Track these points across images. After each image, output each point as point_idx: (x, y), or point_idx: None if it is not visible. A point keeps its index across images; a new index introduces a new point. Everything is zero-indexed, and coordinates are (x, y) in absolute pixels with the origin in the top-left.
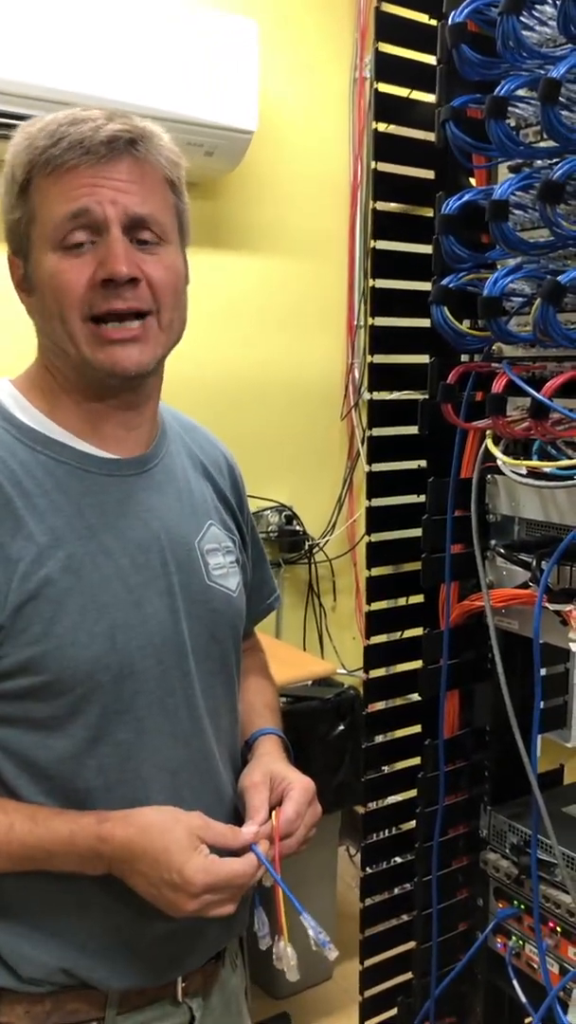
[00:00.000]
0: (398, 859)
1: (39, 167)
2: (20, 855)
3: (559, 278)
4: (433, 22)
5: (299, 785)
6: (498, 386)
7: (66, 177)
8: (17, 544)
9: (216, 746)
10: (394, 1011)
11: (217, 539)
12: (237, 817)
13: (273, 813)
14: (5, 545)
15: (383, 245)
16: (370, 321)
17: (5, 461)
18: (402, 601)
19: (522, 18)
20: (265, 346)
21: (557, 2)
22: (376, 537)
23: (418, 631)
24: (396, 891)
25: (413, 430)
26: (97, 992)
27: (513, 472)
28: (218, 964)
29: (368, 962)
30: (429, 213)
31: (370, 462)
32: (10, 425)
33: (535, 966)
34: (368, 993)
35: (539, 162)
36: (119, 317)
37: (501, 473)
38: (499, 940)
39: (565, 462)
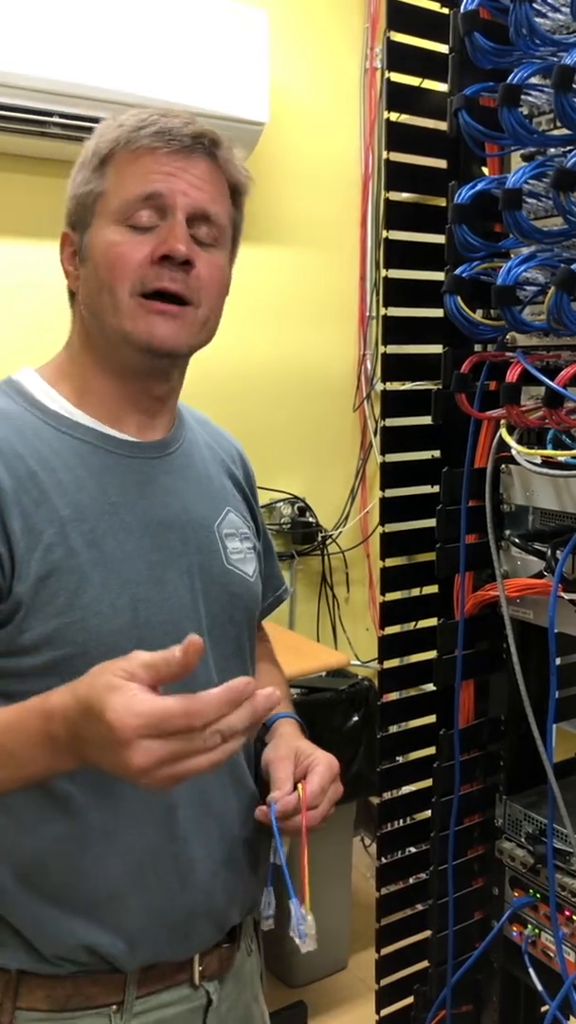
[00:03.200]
0: (413, 849)
1: (123, 144)
2: None
3: (573, 266)
4: (445, 10)
5: (324, 761)
6: (512, 375)
7: (146, 159)
8: (41, 515)
9: None
10: (410, 999)
11: (235, 525)
12: (253, 793)
13: (299, 785)
14: (29, 515)
15: (396, 235)
16: (383, 311)
17: (29, 440)
18: (416, 591)
19: (535, 5)
20: (277, 337)
21: None
22: (390, 527)
23: (432, 621)
24: (411, 880)
25: (427, 420)
26: (117, 975)
27: (528, 461)
28: (233, 947)
29: (384, 951)
30: (442, 202)
31: (384, 452)
32: (34, 408)
33: (551, 954)
34: (384, 981)
35: (552, 150)
36: (165, 298)
37: (515, 462)
38: (515, 929)
39: None
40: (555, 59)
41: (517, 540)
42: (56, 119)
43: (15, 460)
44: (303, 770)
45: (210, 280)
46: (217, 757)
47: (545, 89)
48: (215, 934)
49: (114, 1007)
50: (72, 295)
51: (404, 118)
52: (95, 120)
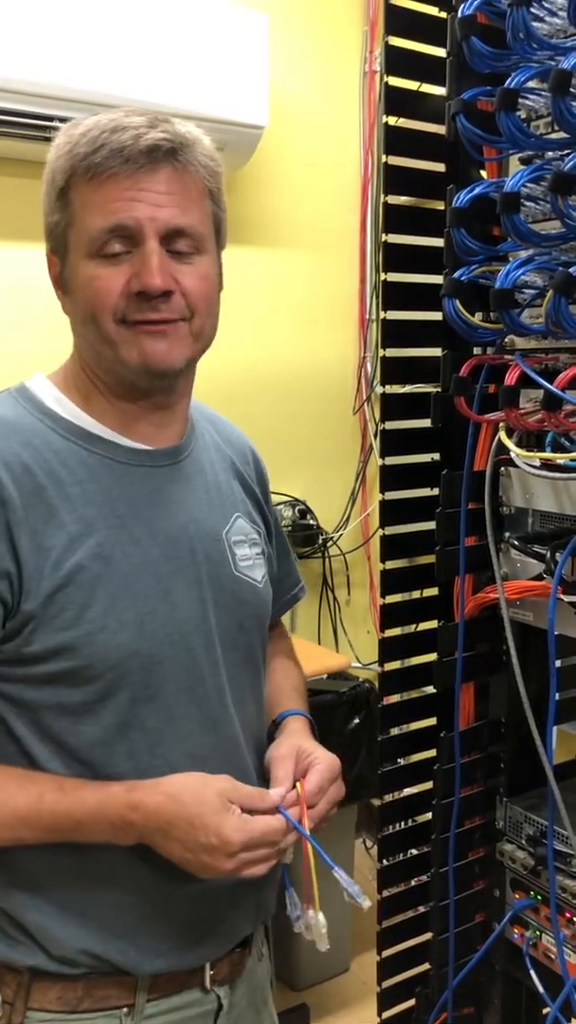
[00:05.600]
0: (414, 851)
1: (79, 173)
2: (49, 824)
3: (571, 270)
4: (443, 15)
5: (324, 760)
6: (511, 378)
7: (106, 186)
8: (49, 531)
9: (242, 733)
10: (412, 1002)
11: (243, 531)
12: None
13: (298, 784)
14: (38, 532)
15: (395, 239)
16: (382, 315)
17: (39, 450)
18: (417, 594)
19: (532, 9)
20: (277, 340)
21: None
22: (390, 530)
23: (433, 624)
24: (413, 883)
25: (426, 423)
26: (128, 978)
27: (527, 464)
28: (245, 953)
29: (386, 953)
30: (440, 206)
31: (384, 455)
32: (45, 416)
33: (552, 956)
34: (386, 984)
35: (550, 153)
36: (151, 324)
37: (515, 465)
38: (516, 931)
39: None
40: (552, 63)
41: (516, 542)
42: (57, 124)
43: (24, 476)
44: (303, 769)
45: (197, 292)
46: (267, 868)
47: (543, 93)
48: (226, 944)
49: (125, 1009)
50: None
51: (403, 122)
52: None
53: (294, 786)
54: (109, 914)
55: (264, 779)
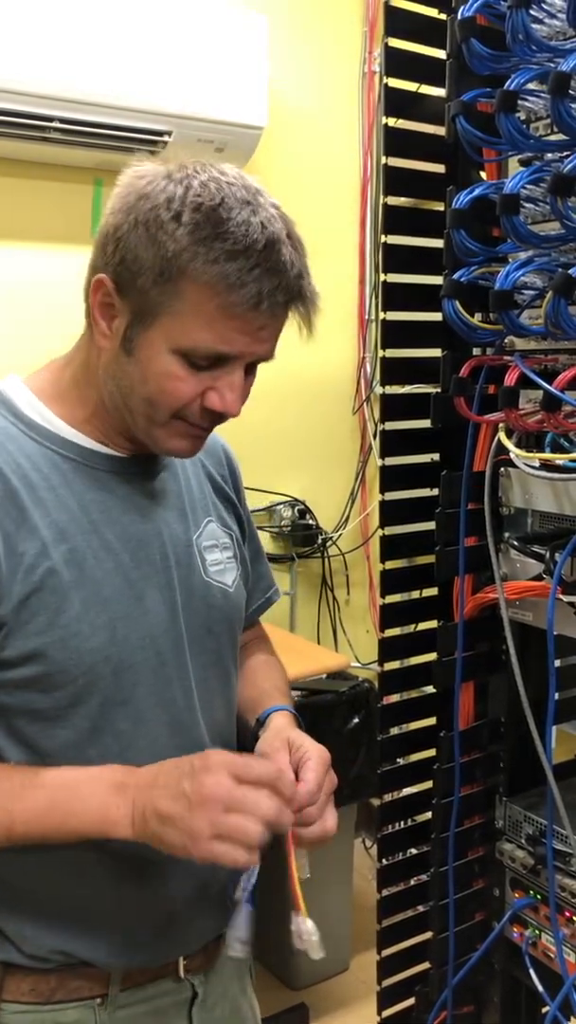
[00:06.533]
0: (414, 850)
1: (209, 283)
2: (47, 804)
3: (571, 271)
4: (443, 16)
5: (316, 754)
6: (510, 379)
7: (234, 319)
8: (22, 536)
9: (207, 736)
10: (411, 1001)
11: (215, 536)
12: None
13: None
14: (10, 536)
15: (394, 240)
16: (382, 315)
17: (13, 455)
18: (416, 594)
19: (531, 11)
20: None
21: None
22: (390, 530)
23: (432, 624)
24: (412, 882)
25: (426, 424)
26: (100, 970)
27: (526, 465)
28: (220, 943)
29: (385, 952)
30: (440, 207)
31: (383, 455)
32: (18, 420)
33: (552, 955)
34: (386, 983)
35: (550, 155)
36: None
37: (514, 466)
38: (515, 930)
39: None
40: (552, 65)
41: (516, 543)
42: (56, 124)
43: None
44: (296, 761)
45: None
46: (258, 837)
47: (542, 95)
48: (198, 940)
49: (98, 1000)
50: (90, 327)
51: (402, 123)
52: (95, 125)
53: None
54: (80, 915)
55: None
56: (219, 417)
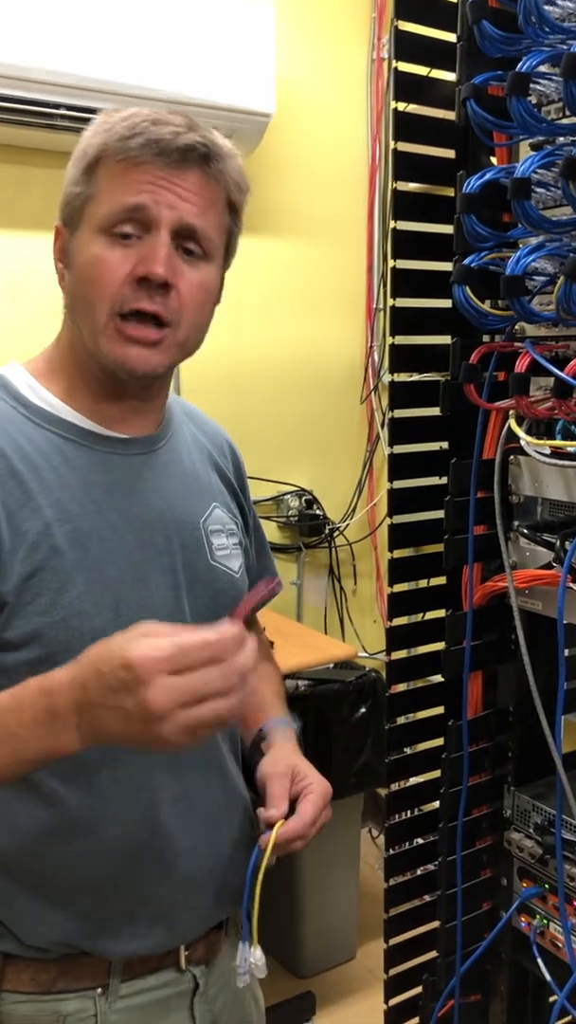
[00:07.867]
0: (421, 840)
1: (111, 152)
2: None
3: None
4: None
5: (319, 788)
6: (521, 366)
7: (134, 171)
8: (25, 515)
9: None
10: (419, 989)
11: (221, 521)
12: (239, 789)
13: (277, 824)
14: (13, 515)
15: (404, 225)
16: (391, 302)
17: (14, 437)
18: (424, 583)
19: None
20: (284, 330)
21: None
22: (398, 519)
23: (440, 613)
24: (420, 871)
25: (435, 411)
26: (101, 960)
27: (537, 452)
28: (221, 933)
29: (393, 941)
30: (450, 192)
31: (392, 444)
32: (19, 404)
33: (560, 945)
34: (393, 971)
35: (561, 139)
36: (142, 317)
37: (524, 453)
38: (523, 919)
39: None
40: (564, 47)
41: (526, 531)
42: (63, 111)
43: None
44: (298, 791)
45: (191, 300)
46: (235, 701)
47: (554, 77)
48: (201, 927)
49: (99, 990)
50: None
51: (412, 108)
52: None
53: (292, 807)
54: (81, 901)
55: (253, 788)
56: (156, 299)
